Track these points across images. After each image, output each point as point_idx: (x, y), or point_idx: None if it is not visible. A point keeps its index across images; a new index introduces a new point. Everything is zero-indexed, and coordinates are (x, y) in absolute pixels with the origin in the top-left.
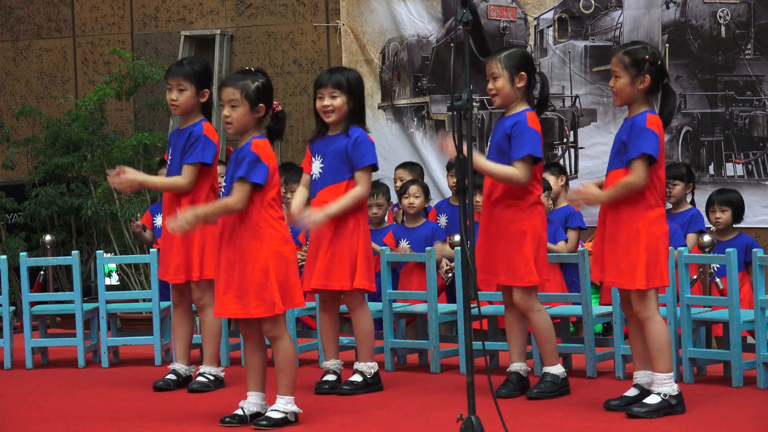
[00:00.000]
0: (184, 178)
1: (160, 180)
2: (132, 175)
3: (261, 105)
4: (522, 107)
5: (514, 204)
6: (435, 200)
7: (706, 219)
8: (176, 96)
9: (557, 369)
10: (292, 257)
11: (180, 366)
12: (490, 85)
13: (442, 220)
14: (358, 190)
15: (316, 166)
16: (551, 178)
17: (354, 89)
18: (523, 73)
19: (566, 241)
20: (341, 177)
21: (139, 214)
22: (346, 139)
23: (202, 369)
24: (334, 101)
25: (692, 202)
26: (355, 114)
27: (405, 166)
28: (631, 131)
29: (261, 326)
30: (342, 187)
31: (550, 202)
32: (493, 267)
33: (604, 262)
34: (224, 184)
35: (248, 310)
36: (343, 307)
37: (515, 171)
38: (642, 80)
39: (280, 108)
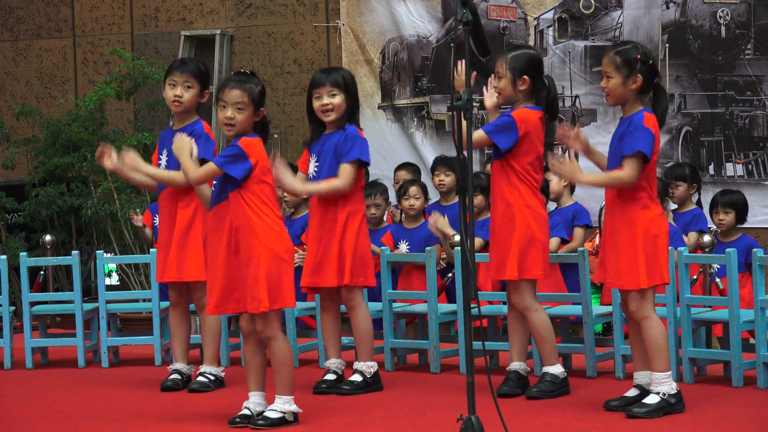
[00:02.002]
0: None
1: (159, 171)
2: (132, 159)
3: (261, 109)
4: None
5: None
6: (434, 200)
7: (709, 220)
8: (182, 92)
9: (557, 369)
10: (287, 257)
11: (182, 366)
12: (494, 83)
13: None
14: (336, 183)
15: (312, 165)
16: (554, 178)
17: (350, 88)
18: (525, 77)
19: (563, 239)
20: (335, 173)
21: (138, 209)
22: (340, 135)
23: (203, 369)
24: (333, 99)
25: (698, 203)
26: (351, 112)
27: (404, 167)
28: (627, 129)
29: (255, 326)
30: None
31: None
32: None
33: (605, 263)
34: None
35: (236, 305)
36: (344, 307)
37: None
38: (634, 80)
39: (265, 113)
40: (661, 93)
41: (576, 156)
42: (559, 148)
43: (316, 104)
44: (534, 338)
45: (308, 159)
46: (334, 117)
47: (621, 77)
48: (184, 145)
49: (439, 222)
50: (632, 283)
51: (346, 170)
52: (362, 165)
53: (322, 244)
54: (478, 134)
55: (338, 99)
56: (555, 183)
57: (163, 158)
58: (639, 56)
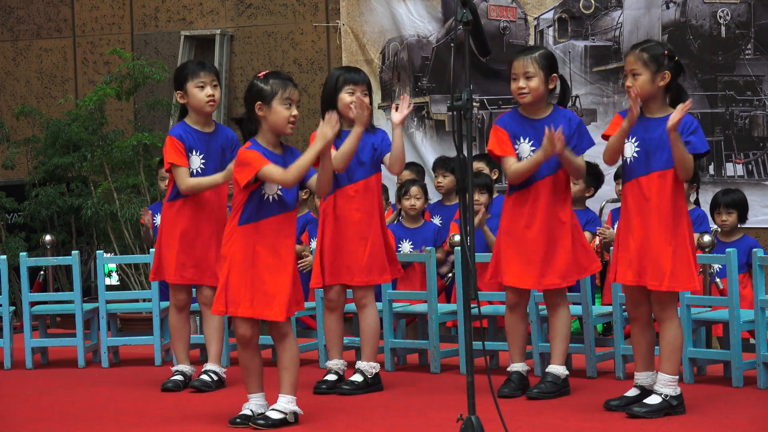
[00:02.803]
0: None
1: (205, 179)
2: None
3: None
4: (549, 108)
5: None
6: (434, 200)
7: (711, 220)
8: (213, 91)
9: (561, 369)
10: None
11: (184, 367)
12: (521, 83)
13: (436, 221)
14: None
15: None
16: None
17: (371, 88)
18: (555, 74)
19: None
20: (367, 173)
21: (146, 208)
22: (372, 136)
23: (207, 366)
24: (366, 100)
25: (696, 202)
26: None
27: (408, 167)
28: (684, 129)
29: (255, 331)
30: (370, 182)
31: None
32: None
33: (644, 263)
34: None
35: (264, 310)
36: (346, 307)
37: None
38: (662, 76)
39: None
40: (683, 93)
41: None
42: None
43: (348, 99)
44: (554, 334)
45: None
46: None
47: (650, 73)
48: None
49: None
50: (687, 284)
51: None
52: None
53: (361, 240)
54: (582, 162)
55: (366, 100)
56: (577, 189)
57: (198, 159)
58: (666, 52)
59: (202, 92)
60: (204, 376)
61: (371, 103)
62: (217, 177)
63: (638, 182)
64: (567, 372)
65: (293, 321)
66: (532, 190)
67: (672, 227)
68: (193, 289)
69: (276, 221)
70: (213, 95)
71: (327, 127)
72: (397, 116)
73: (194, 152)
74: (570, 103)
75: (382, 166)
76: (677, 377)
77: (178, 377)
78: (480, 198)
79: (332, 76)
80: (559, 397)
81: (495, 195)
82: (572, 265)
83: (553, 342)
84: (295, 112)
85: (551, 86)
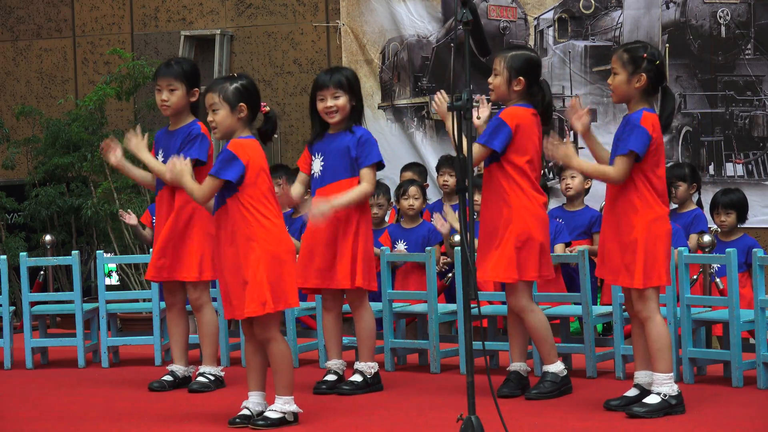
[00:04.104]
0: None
1: (158, 163)
2: (135, 145)
3: (241, 105)
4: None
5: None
6: (434, 200)
7: (710, 220)
8: (167, 96)
9: (556, 367)
10: (287, 258)
11: (178, 367)
12: (490, 79)
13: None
14: (365, 187)
15: (317, 165)
16: (579, 177)
17: (354, 87)
18: (521, 77)
19: (567, 244)
20: (342, 175)
21: (129, 210)
22: (349, 137)
23: (202, 369)
24: (337, 101)
25: (698, 202)
26: (356, 112)
27: (411, 167)
28: (625, 127)
29: (253, 328)
30: (342, 185)
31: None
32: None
33: (605, 259)
34: None
35: (239, 310)
36: (345, 307)
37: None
38: (639, 78)
39: (267, 108)
40: (668, 96)
41: (575, 140)
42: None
43: (320, 106)
44: (532, 338)
45: (309, 158)
46: (339, 118)
47: (626, 74)
48: (181, 168)
49: (450, 215)
50: (630, 282)
51: (369, 174)
52: (379, 167)
53: (332, 244)
54: (476, 149)
55: (342, 100)
56: (578, 182)
57: (159, 158)
58: (645, 55)
59: (158, 96)
60: (201, 379)
61: (358, 98)
62: (157, 163)
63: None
64: (565, 369)
65: (293, 321)
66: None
67: (623, 223)
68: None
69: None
70: (166, 100)
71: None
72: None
73: (159, 152)
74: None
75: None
76: (672, 374)
77: (167, 377)
78: (480, 198)
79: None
80: (560, 395)
81: None
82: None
83: (536, 346)
84: (209, 117)
85: (516, 88)
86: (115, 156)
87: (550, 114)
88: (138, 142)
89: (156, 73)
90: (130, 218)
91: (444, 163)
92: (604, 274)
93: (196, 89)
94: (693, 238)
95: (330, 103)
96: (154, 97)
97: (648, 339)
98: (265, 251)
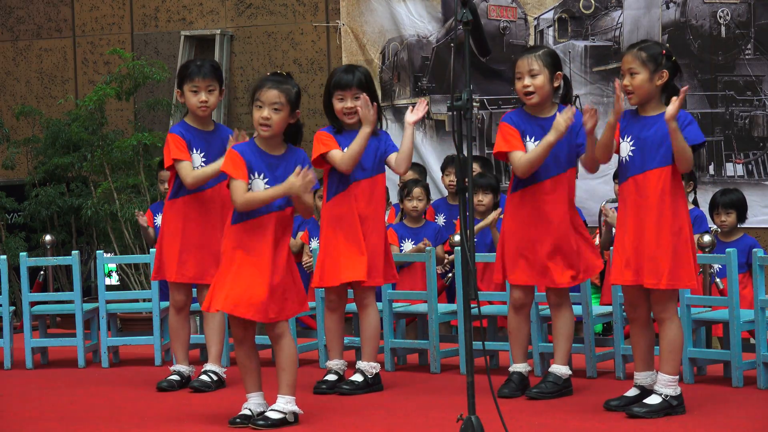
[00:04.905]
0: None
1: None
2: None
3: (297, 111)
4: (554, 108)
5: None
6: (434, 199)
7: (710, 220)
8: (206, 97)
9: (563, 369)
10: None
11: (182, 367)
12: (526, 81)
13: (440, 220)
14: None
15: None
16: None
17: (371, 87)
18: (559, 72)
19: None
20: (370, 175)
21: (141, 211)
22: (375, 141)
23: (207, 367)
24: (357, 102)
25: (694, 202)
26: (379, 112)
27: (411, 167)
28: (683, 123)
29: (251, 332)
30: (372, 184)
31: None
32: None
33: (641, 261)
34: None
35: (268, 314)
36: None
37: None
38: (660, 75)
39: (299, 116)
40: (677, 92)
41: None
42: None
43: (338, 106)
44: (557, 335)
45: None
46: (356, 120)
47: (648, 73)
48: (308, 183)
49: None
50: (687, 282)
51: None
52: None
53: (364, 240)
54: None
55: (366, 99)
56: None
57: (198, 157)
58: (664, 51)
59: (195, 97)
60: (203, 377)
61: (374, 98)
62: (218, 163)
63: (635, 180)
64: (570, 372)
65: (293, 321)
66: (537, 188)
67: (671, 224)
68: (194, 290)
69: (259, 222)
70: (206, 101)
71: (297, 181)
72: (411, 117)
73: (195, 150)
74: (570, 104)
75: (386, 167)
76: (677, 377)
77: (174, 377)
78: (484, 199)
79: (328, 81)
80: (560, 397)
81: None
82: (577, 264)
83: (557, 342)
84: (265, 113)
85: (556, 84)
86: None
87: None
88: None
89: (191, 73)
90: (143, 220)
91: (450, 162)
92: (637, 279)
93: (223, 89)
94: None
95: (350, 104)
96: (154, 97)
97: (662, 339)
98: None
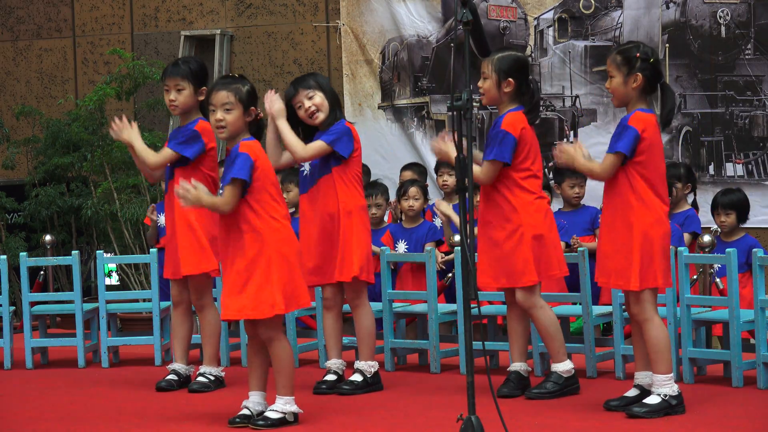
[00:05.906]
0: (156, 156)
1: (144, 148)
2: (127, 134)
3: (252, 108)
4: (507, 109)
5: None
6: (434, 200)
7: (711, 220)
8: (175, 96)
9: (564, 366)
10: (296, 258)
11: (180, 366)
12: (480, 83)
13: (437, 221)
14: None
15: (307, 165)
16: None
17: (324, 86)
18: (510, 79)
19: (567, 243)
20: (319, 175)
21: (153, 205)
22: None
23: (203, 369)
24: (314, 100)
25: (693, 203)
26: (334, 106)
27: (410, 167)
28: (617, 128)
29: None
30: (322, 184)
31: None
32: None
33: (601, 262)
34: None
35: (246, 312)
36: (345, 307)
37: (478, 171)
38: (634, 78)
39: (262, 115)
40: (668, 92)
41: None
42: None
43: (301, 113)
44: (541, 336)
45: None
46: (323, 117)
47: (622, 76)
48: (196, 195)
49: (442, 206)
50: (626, 284)
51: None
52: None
53: (327, 244)
54: (486, 169)
55: (318, 98)
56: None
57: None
58: (638, 54)
59: (166, 96)
60: (201, 379)
61: (330, 93)
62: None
63: (606, 182)
64: (571, 366)
65: (293, 321)
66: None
67: (619, 225)
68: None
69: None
70: (174, 100)
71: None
72: (270, 110)
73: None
74: (570, 104)
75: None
76: (671, 375)
77: (172, 377)
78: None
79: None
80: (565, 395)
81: None
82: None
83: (545, 344)
84: (218, 115)
85: (506, 90)
86: (128, 133)
87: (536, 114)
88: (130, 132)
89: (163, 73)
90: (155, 215)
91: (443, 163)
92: (599, 277)
93: (204, 88)
94: (685, 238)
95: (307, 104)
96: (154, 97)
97: (646, 341)
98: (275, 251)
